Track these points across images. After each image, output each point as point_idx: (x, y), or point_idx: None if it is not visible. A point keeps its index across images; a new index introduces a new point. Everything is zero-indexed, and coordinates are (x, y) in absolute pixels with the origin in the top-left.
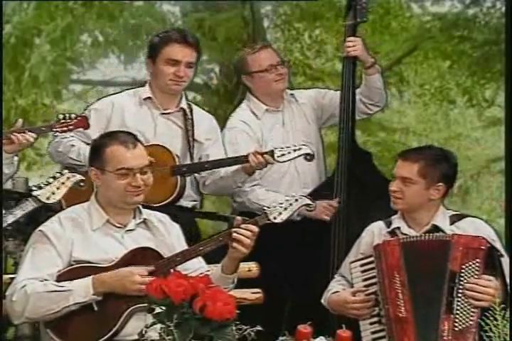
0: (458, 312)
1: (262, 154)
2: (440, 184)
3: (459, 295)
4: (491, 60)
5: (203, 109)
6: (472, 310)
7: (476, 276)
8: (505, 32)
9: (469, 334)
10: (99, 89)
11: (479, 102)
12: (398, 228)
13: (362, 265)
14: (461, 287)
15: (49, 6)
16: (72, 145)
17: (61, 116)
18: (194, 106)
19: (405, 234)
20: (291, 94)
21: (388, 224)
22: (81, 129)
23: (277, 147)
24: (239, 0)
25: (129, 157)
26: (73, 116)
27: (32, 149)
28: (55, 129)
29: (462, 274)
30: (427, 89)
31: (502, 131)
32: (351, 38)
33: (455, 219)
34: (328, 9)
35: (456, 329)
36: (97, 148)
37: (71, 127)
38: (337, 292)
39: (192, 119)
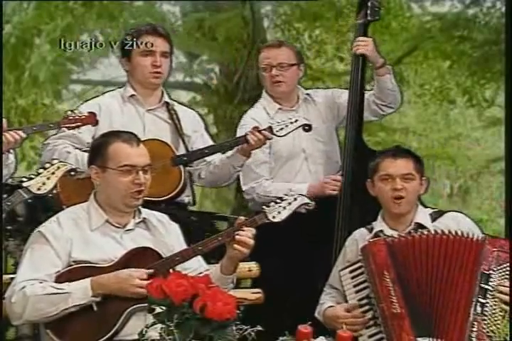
0: (487, 314)
1: (260, 131)
2: (424, 178)
3: (489, 296)
4: (491, 60)
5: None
6: (500, 313)
7: (507, 280)
8: (505, 32)
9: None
10: (99, 89)
11: (479, 102)
12: (381, 231)
13: (351, 271)
14: (491, 289)
15: (49, 6)
16: (68, 152)
17: (69, 113)
18: (175, 102)
19: (388, 236)
20: (307, 94)
21: (370, 230)
22: (81, 129)
23: (274, 122)
24: (239, 0)
25: (133, 154)
26: (81, 112)
27: (32, 149)
28: (62, 126)
29: (493, 276)
30: (427, 89)
31: (502, 131)
32: (362, 37)
33: (436, 215)
34: (328, 9)
35: (485, 331)
36: (99, 146)
37: (79, 124)
38: (331, 306)
39: (176, 113)
